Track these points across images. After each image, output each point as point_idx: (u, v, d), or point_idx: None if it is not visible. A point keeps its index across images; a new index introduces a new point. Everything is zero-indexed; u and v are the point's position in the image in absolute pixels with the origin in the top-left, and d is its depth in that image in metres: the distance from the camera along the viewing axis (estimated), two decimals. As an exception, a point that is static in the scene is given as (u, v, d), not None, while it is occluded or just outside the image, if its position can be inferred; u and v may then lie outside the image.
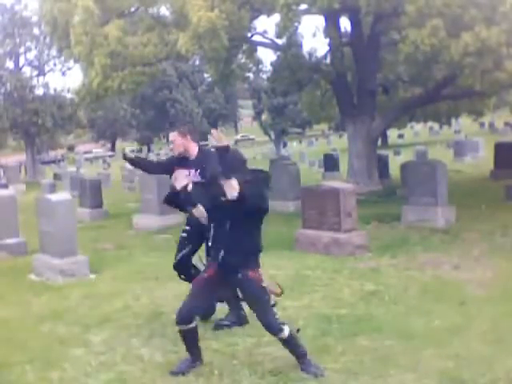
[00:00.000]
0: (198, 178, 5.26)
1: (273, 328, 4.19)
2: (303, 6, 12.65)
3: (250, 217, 4.14)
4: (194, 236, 5.36)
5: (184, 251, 5.41)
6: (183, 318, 4.27)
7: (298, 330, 4.38)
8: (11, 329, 5.69)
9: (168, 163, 5.84)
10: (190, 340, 4.39)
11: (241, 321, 5.33)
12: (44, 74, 37.52)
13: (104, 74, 13.65)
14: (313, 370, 4.20)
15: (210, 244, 4.39)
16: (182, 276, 5.47)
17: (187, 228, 5.44)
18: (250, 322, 5.14)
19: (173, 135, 5.56)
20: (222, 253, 4.20)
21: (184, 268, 5.44)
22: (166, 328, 5.43)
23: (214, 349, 4.83)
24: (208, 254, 4.95)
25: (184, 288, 5.77)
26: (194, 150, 5.50)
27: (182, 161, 5.53)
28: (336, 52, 15.56)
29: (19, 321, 5.96)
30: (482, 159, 22.85)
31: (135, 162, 5.84)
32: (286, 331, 4.17)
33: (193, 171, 5.35)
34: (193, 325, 4.31)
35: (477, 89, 11.66)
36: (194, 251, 5.41)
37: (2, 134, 40.66)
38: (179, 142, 5.52)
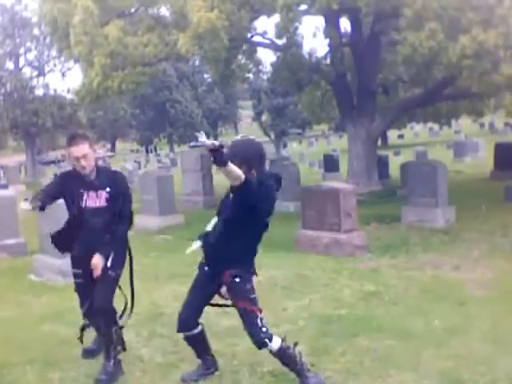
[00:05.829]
0: (104, 203, 4.29)
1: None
2: (303, 7, 12.66)
3: (245, 216, 3.81)
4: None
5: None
6: (183, 324, 4.15)
7: (296, 345, 4.08)
8: (11, 329, 5.69)
9: (59, 188, 4.38)
10: (198, 346, 4.28)
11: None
12: (44, 75, 37.54)
13: (104, 74, 13.65)
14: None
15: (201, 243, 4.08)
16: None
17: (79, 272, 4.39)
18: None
19: (83, 148, 4.19)
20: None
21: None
22: (166, 328, 5.43)
23: (214, 349, 4.83)
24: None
25: (184, 289, 5.77)
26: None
27: (73, 179, 4.32)
28: (336, 52, 15.56)
29: (19, 321, 5.96)
30: (482, 159, 22.85)
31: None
32: (276, 344, 3.96)
33: (101, 194, 4.28)
34: (197, 330, 4.19)
35: (474, 91, 11.69)
36: None
37: (2, 135, 40.70)
38: (92, 156, 4.27)
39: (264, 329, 3.95)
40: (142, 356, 4.79)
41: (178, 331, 4.21)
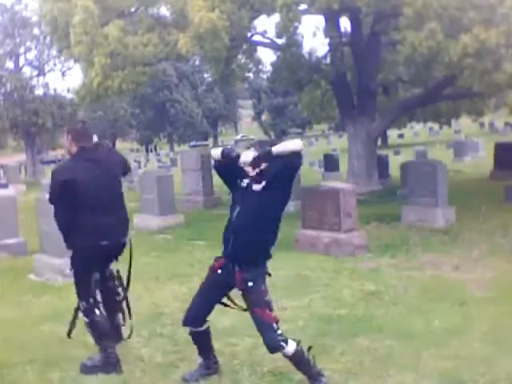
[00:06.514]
0: None
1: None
2: (303, 6, 12.65)
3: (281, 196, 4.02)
4: None
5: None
6: (191, 320, 4.11)
7: (309, 349, 4.02)
8: (11, 329, 5.68)
9: None
10: (203, 344, 4.23)
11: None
12: (44, 74, 37.52)
13: (104, 73, 13.65)
14: None
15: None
16: None
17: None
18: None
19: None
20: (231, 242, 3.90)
21: None
22: (166, 328, 5.44)
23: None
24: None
25: (184, 289, 5.79)
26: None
27: None
28: (336, 52, 15.56)
29: (19, 321, 5.95)
30: (482, 159, 22.84)
31: None
32: (291, 347, 3.88)
33: None
34: (203, 328, 4.14)
35: (475, 90, 11.67)
36: None
37: (2, 134, 40.66)
38: (65, 141, 4.63)
39: (279, 331, 3.86)
40: (142, 356, 4.79)
41: (185, 325, 4.15)
